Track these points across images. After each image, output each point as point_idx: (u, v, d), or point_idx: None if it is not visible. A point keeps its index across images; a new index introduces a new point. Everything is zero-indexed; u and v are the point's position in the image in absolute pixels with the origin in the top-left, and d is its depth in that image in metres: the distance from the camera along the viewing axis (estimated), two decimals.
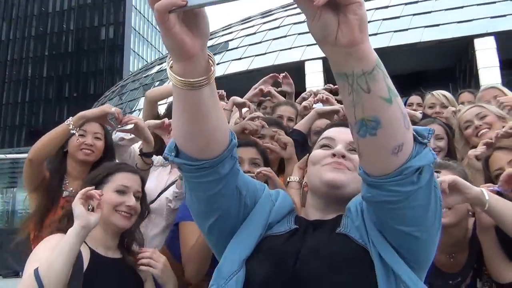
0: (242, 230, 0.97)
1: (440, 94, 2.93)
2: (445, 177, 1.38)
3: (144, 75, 19.56)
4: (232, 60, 5.08)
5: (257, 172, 1.72)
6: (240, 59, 4.99)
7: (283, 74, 3.13)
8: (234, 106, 2.53)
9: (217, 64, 5.95)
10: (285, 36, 5.04)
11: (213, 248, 1.05)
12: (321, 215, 1.06)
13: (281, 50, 4.95)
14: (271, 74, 3.17)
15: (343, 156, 1.04)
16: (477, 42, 4.58)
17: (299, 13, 5.41)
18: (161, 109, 2.69)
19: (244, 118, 2.44)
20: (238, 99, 2.54)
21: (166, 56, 0.79)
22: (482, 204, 1.36)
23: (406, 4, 4.90)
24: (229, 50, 7.88)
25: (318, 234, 0.99)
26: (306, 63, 4.87)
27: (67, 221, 1.51)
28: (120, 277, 1.52)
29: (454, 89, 5.41)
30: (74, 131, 1.90)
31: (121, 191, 1.59)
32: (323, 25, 0.67)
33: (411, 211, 0.83)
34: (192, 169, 0.87)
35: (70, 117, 1.94)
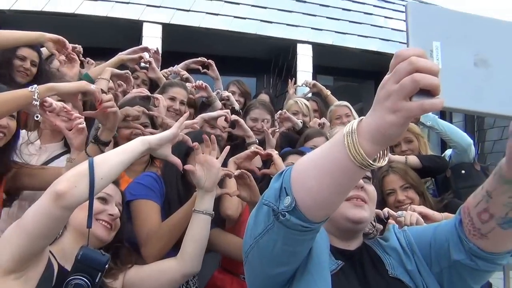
0: (316, 278, 0.96)
1: (303, 103, 3.26)
2: (414, 215, 1.58)
3: None
4: None
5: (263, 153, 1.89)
6: None
7: (154, 50, 3.04)
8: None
9: None
10: None
11: (262, 285, 1.00)
12: (344, 244, 1.12)
13: (117, 1, 4.53)
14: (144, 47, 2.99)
15: (362, 187, 1.10)
16: (299, 47, 5.24)
17: None
18: None
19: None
20: (116, 71, 2.37)
21: None
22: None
23: None
24: None
25: (372, 276, 1.04)
26: (145, 25, 4.63)
27: None
28: None
29: (267, 80, 6.13)
30: (36, 103, 1.46)
31: (104, 199, 1.44)
32: None
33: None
34: (304, 230, 0.82)
35: (36, 85, 1.49)
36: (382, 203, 2.18)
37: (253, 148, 2.10)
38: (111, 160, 1.25)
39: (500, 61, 0.70)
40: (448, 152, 2.76)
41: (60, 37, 2.09)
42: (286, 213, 0.79)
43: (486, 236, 0.91)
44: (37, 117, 1.50)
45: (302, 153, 2.09)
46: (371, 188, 1.14)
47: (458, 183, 2.51)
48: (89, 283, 1.18)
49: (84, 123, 1.67)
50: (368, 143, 0.69)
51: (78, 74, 2.22)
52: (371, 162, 0.70)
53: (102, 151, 1.65)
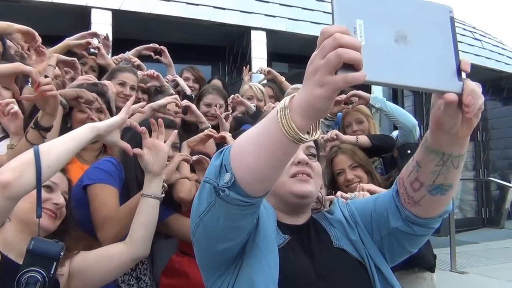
0: (264, 252, 0.98)
1: (258, 88, 3.27)
2: (366, 194, 1.76)
3: None
4: None
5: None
6: None
7: (104, 35, 2.93)
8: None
9: None
10: None
11: (211, 263, 1.02)
12: (292, 219, 1.16)
13: None
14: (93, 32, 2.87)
15: (306, 163, 1.13)
16: (253, 33, 5.25)
17: None
18: None
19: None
20: (62, 57, 2.27)
21: None
22: None
23: None
24: None
25: (318, 247, 1.10)
26: (94, 11, 4.40)
27: None
28: None
29: (222, 67, 6.13)
30: None
31: (49, 187, 1.38)
32: (456, 122, 0.80)
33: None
34: (244, 205, 0.84)
35: None
36: (332, 183, 2.27)
37: (206, 131, 2.11)
38: (58, 148, 1.22)
39: (418, 37, 0.75)
40: (395, 133, 2.89)
41: (30, 28, 1.98)
42: (226, 189, 0.82)
43: (419, 203, 0.99)
44: None
45: None
46: (315, 164, 1.19)
47: (404, 161, 2.62)
48: (44, 275, 1.15)
49: (16, 106, 1.60)
50: (300, 118, 0.73)
51: (45, 69, 2.11)
52: (302, 136, 0.74)
53: (43, 137, 1.59)
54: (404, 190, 1.01)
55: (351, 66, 0.65)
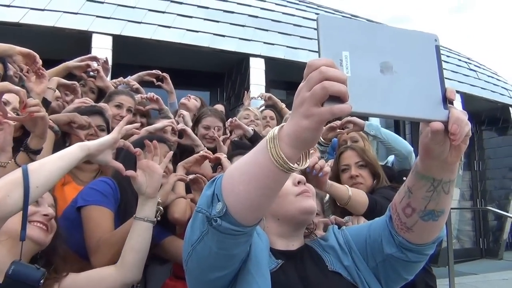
0: (256, 277, 0.98)
1: (254, 109, 3.49)
2: (361, 218, 1.79)
3: None
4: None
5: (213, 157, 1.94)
6: (9, 6, 4.15)
7: (104, 59, 2.94)
8: None
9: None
10: None
11: None
12: (285, 244, 1.17)
13: (65, 11, 4.38)
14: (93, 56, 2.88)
15: (304, 183, 1.19)
16: (252, 60, 5.32)
17: None
18: None
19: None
20: (63, 80, 2.28)
21: None
22: None
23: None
24: None
25: (312, 271, 1.09)
26: (95, 36, 4.45)
27: None
28: None
29: (221, 93, 6.17)
30: None
31: (35, 201, 1.29)
32: (444, 149, 0.81)
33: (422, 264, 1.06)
34: (237, 234, 0.84)
35: None
36: (337, 182, 2.19)
37: (201, 152, 2.10)
38: (47, 167, 1.18)
39: (404, 67, 0.75)
40: (390, 158, 2.89)
41: (31, 51, 1.99)
42: (218, 219, 0.82)
43: (411, 229, 0.98)
44: None
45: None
46: (310, 185, 1.23)
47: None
48: None
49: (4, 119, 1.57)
50: (288, 147, 0.74)
51: (45, 91, 2.11)
52: (291, 165, 0.75)
53: (32, 160, 1.53)
54: (397, 216, 1.00)
55: (337, 98, 0.66)
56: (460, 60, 8.30)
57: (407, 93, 0.74)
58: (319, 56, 0.70)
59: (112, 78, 3.33)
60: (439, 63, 0.80)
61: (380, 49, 0.75)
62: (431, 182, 0.89)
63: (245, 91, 4.43)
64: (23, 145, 1.57)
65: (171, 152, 1.73)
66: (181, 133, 2.53)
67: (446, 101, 0.77)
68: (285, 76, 5.96)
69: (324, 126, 0.72)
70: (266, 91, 5.16)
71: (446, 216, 0.96)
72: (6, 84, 1.45)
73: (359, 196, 1.88)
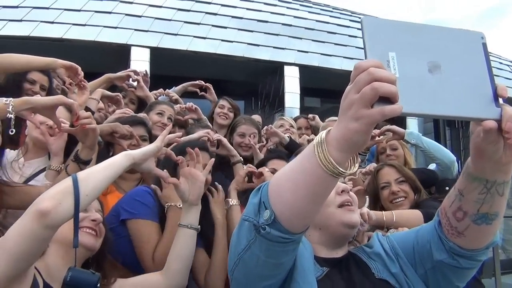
0: (302, 285, 0.97)
1: (289, 118, 3.41)
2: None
3: None
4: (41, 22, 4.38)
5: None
6: (52, 22, 4.37)
7: (144, 72, 3.05)
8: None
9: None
10: (110, 12, 4.63)
11: None
12: (329, 252, 1.14)
13: (105, 26, 4.55)
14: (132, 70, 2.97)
15: (348, 192, 1.17)
16: (286, 69, 5.34)
17: None
18: None
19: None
20: (107, 92, 2.38)
21: None
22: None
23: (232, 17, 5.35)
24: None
25: (359, 278, 1.06)
26: (133, 49, 4.62)
27: None
28: None
29: (255, 102, 6.19)
30: (11, 115, 1.35)
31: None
32: (498, 148, 0.77)
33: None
34: (285, 242, 0.83)
35: (11, 98, 1.38)
36: (376, 199, 2.16)
37: (246, 168, 2.11)
38: (95, 176, 1.21)
39: (452, 66, 0.74)
40: (431, 167, 2.80)
41: (73, 64, 2.06)
42: (266, 227, 0.81)
43: (463, 234, 0.94)
44: (11, 131, 1.38)
45: (282, 158, 2.12)
46: (352, 194, 1.19)
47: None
48: None
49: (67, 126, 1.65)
50: (337, 151, 0.72)
51: (86, 102, 2.19)
52: (341, 169, 0.73)
53: (82, 170, 1.55)
54: (447, 220, 0.96)
55: (386, 99, 0.65)
56: (501, 63, 7.99)
57: (457, 92, 0.72)
58: (366, 58, 0.69)
59: (150, 88, 3.42)
60: (487, 60, 0.78)
61: (426, 48, 0.74)
62: (484, 183, 0.85)
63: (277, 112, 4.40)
64: (74, 155, 1.63)
65: (213, 159, 1.74)
66: (218, 143, 2.55)
67: (498, 98, 0.75)
68: (319, 84, 5.95)
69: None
70: (300, 99, 5.17)
71: (500, 219, 0.91)
72: (60, 97, 1.51)
73: (407, 215, 1.86)
